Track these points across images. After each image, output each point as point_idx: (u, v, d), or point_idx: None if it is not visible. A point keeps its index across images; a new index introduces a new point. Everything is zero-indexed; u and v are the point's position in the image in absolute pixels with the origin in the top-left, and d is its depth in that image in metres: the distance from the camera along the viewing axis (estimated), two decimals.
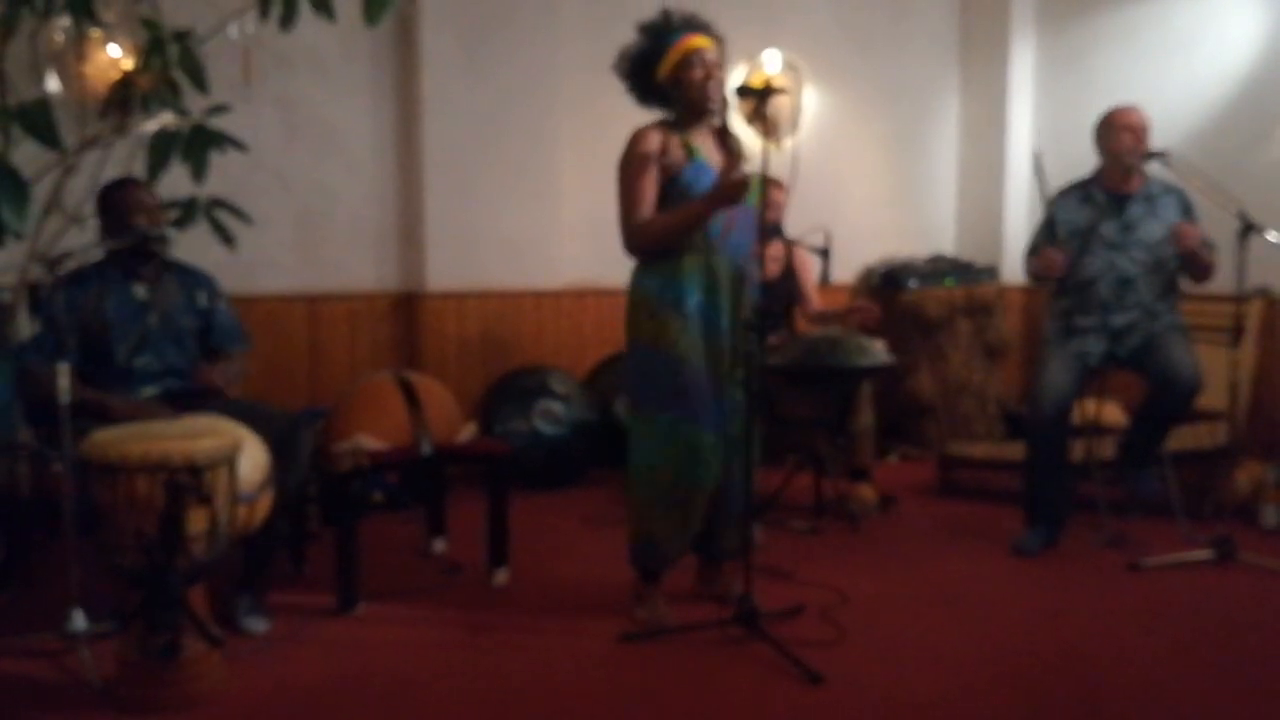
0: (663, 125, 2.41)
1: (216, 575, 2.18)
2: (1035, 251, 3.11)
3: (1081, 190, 3.09)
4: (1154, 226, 2.98)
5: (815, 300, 3.68)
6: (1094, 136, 3.07)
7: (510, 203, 3.94)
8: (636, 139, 2.38)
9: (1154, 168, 3.00)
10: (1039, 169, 3.00)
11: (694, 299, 2.34)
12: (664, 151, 2.36)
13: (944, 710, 2.00)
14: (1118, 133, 2.99)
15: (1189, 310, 3.13)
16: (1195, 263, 2.93)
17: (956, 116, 4.92)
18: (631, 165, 2.37)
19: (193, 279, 2.64)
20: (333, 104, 3.78)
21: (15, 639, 2.26)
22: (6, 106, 2.69)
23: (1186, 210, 3.02)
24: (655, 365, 2.36)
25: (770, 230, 2.97)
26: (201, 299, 2.62)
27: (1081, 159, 3.16)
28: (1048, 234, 3.05)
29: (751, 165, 2.40)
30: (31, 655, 2.21)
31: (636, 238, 2.37)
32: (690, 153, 2.37)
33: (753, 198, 2.39)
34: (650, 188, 2.35)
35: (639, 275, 2.41)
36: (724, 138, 2.46)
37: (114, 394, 2.42)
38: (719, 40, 2.41)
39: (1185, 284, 3.09)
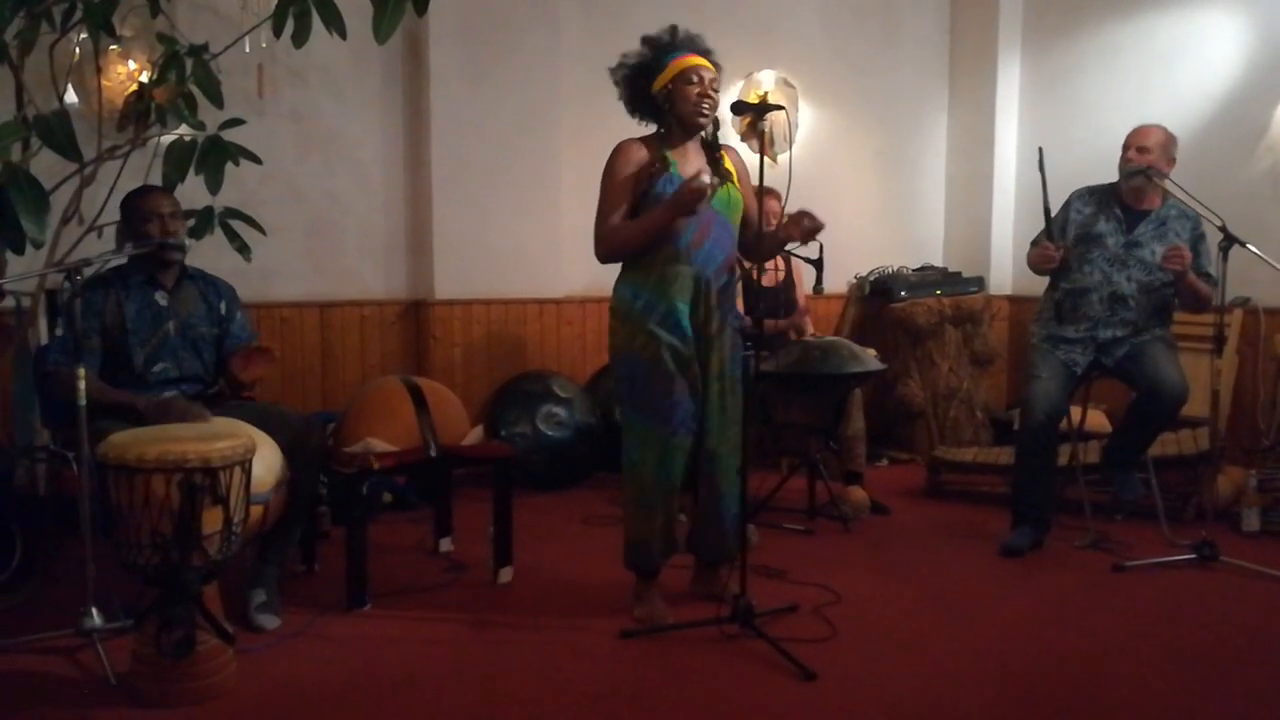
0: (646, 139, 2.45)
1: (230, 573, 2.22)
2: (1039, 243, 3.13)
3: (1100, 196, 3.10)
4: (1158, 249, 2.98)
5: (804, 311, 3.76)
6: None
7: (514, 214, 4.00)
8: (616, 152, 2.42)
9: (1167, 188, 3.02)
10: (1041, 164, 3.03)
11: (661, 307, 2.38)
12: (642, 164, 2.40)
13: (934, 705, 2.05)
14: (1123, 151, 3.03)
15: (1173, 320, 3.18)
16: (1185, 288, 2.93)
17: (945, 133, 5.01)
18: (607, 176, 2.42)
19: (212, 287, 2.66)
20: (344, 118, 3.84)
21: (33, 636, 2.28)
22: (26, 118, 2.75)
23: (1197, 239, 3.01)
24: (630, 369, 2.42)
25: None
26: (221, 306, 2.65)
27: (1067, 175, 3.22)
28: (1051, 225, 3.06)
29: (723, 178, 2.42)
30: (49, 652, 2.23)
31: (602, 244, 2.42)
32: (667, 165, 2.40)
33: (730, 211, 2.43)
34: (621, 198, 2.39)
35: (617, 284, 2.47)
36: (711, 153, 2.48)
37: (140, 395, 2.45)
38: (718, 66, 2.45)
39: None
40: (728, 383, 2.47)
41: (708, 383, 2.44)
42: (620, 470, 2.53)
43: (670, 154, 2.43)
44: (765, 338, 2.91)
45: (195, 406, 2.43)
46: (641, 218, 2.38)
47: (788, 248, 3.55)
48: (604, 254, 2.44)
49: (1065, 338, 3.08)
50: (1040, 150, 3.07)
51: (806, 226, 2.43)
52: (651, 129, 2.50)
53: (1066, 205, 3.14)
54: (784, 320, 3.68)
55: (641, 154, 2.41)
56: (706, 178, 2.32)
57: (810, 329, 3.75)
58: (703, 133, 2.46)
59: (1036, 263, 3.08)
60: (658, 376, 2.38)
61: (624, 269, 2.47)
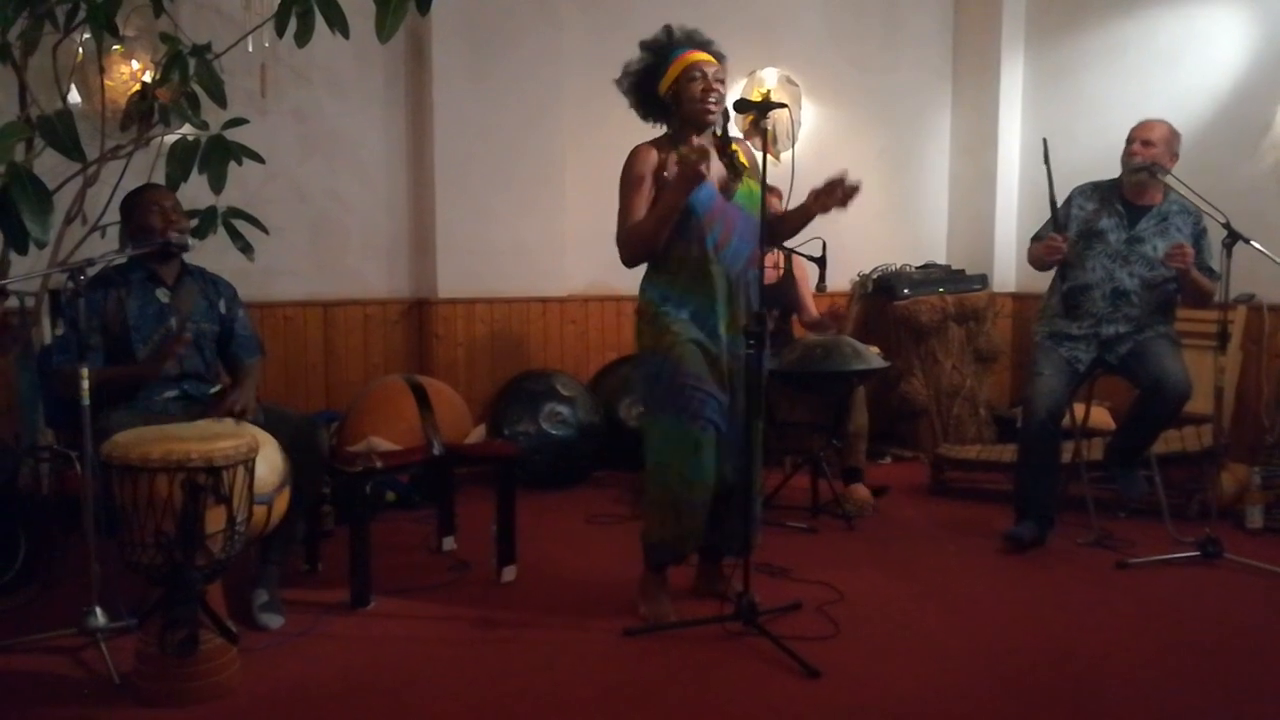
0: (660, 141, 2.44)
1: (233, 572, 2.21)
2: (1040, 238, 3.13)
3: (1102, 192, 3.09)
4: (1160, 244, 2.98)
5: (811, 308, 3.76)
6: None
7: (517, 213, 4.01)
8: (633, 157, 2.41)
9: (1171, 184, 3.01)
10: (1046, 156, 3.02)
11: (691, 306, 2.39)
12: (660, 168, 2.38)
13: (937, 703, 2.05)
14: (1126, 145, 3.03)
15: (1176, 316, 3.17)
16: (1188, 285, 2.94)
17: (948, 131, 5.01)
18: (626, 182, 2.41)
19: (213, 284, 2.67)
20: (347, 117, 3.85)
21: (37, 635, 2.28)
22: (30, 118, 2.76)
23: (1199, 234, 3.01)
24: (656, 369, 2.41)
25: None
26: (221, 305, 2.66)
27: (1071, 171, 3.21)
28: (1055, 218, 3.05)
29: (738, 172, 2.41)
30: (53, 651, 2.24)
31: (624, 247, 2.41)
32: None
33: (752, 206, 2.43)
34: (639, 203, 2.38)
35: (643, 285, 2.46)
36: (724, 147, 2.46)
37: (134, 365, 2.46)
38: (721, 57, 2.45)
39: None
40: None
41: (736, 374, 2.43)
42: (626, 469, 2.52)
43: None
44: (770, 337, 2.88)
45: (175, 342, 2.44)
46: (653, 208, 2.37)
47: (787, 245, 3.54)
48: (628, 256, 2.42)
49: (1068, 334, 3.08)
50: (1045, 142, 3.06)
51: (847, 190, 2.37)
52: (663, 131, 2.49)
53: (1068, 201, 3.13)
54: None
55: (655, 157, 2.40)
56: (713, 176, 2.31)
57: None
58: (714, 129, 2.45)
59: (1042, 255, 3.07)
60: (683, 374, 2.37)
61: (651, 271, 2.45)
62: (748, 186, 2.44)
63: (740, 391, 2.44)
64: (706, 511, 2.46)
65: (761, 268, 2.41)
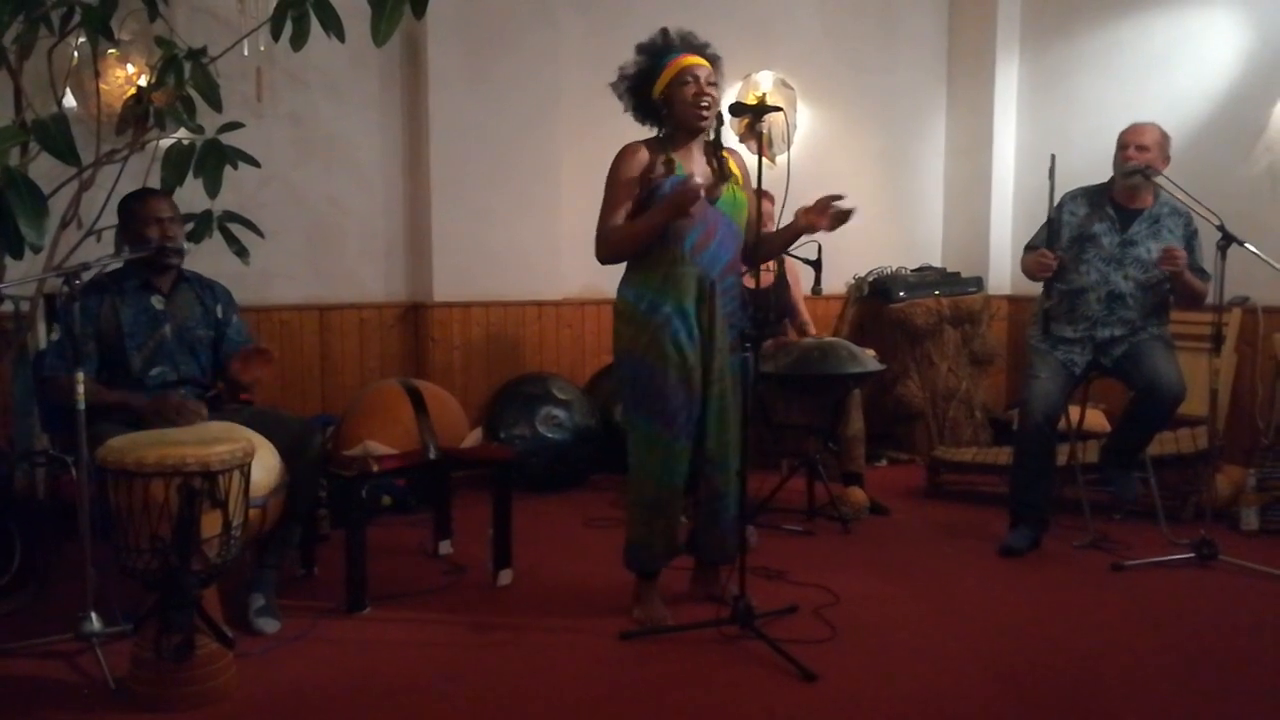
0: (651, 142, 2.45)
1: (229, 577, 2.22)
2: (1033, 248, 3.14)
3: (1092, 197, 3.10)
4: (1153, 246, 2.99)
5: (804, 312, 3.76)
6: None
7: (513, 216, 4.01)
8: (621, 154, 2.43)
9: (1166, 186, 3.02)
10: (1052, 171, 3.03)
11: (664, 309, 2.38)
12: (647, 167, 2.40)
13: (933, 706, 2.05)
14: (1119, 150, 3.04)
15: (1171, 318, 3.19)
16: (1181, 286, 2.96)
17: (943, 133, 5.02)
18: (610, 179, 2.42)
19: (209, 290, 2.66)
20: (343, 120, 3.84)
21: (32, 640, 2.28)
22: (25, 122, 2.75)
23: (1190, 235, 3.03)
24: (633, 372, 2.42)
25: None
26: (218, 310, 2.65)
27: (1066, 174, 3.20)
28: (1051, 233, 3.07)
29: (726, 178, 2.42)
30: (48, 656, 2.23)
31: (602, 245, 2.42)
32: (672, 166, 2.39)
33: (735, 213, 2.43)
34: (623, 201, 2.40)
35: (621, 286, 2.46)
36: (714, 152, 2.47)
37: (136, 394, 2.45)
38: (716, 60, 2.45)
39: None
40: (727, 384, 2.46)
41: (708, 384, 2.44)
42: (621, 472, 2.52)
43: (675, 155, 2.42)
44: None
45: (191, 402, 2.43)
46: (640, 218, 2.39)
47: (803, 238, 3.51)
48: (604, 255, 2.44)
49: (1064, 338, 3.09)
50: (1053, 158, 3.06)
51: (838, 214, 2.39)
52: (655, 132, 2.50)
53: (1059, 207, 3.13)
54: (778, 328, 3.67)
55: (645, 157, 2.42)
56: (700, 179, 2.33)
57: (812, 330, 3.74)
58: (707, 135, 2.46)
59: (1032, 269, 3.08)
60: (660, 380, 2.38)
61: (629, 271, 2.47)
62: (732, 192, 2.44)
63: (717, 398, 2.44)
64: (676, 518, 2.46)
65: (758, 276, 2.41)
